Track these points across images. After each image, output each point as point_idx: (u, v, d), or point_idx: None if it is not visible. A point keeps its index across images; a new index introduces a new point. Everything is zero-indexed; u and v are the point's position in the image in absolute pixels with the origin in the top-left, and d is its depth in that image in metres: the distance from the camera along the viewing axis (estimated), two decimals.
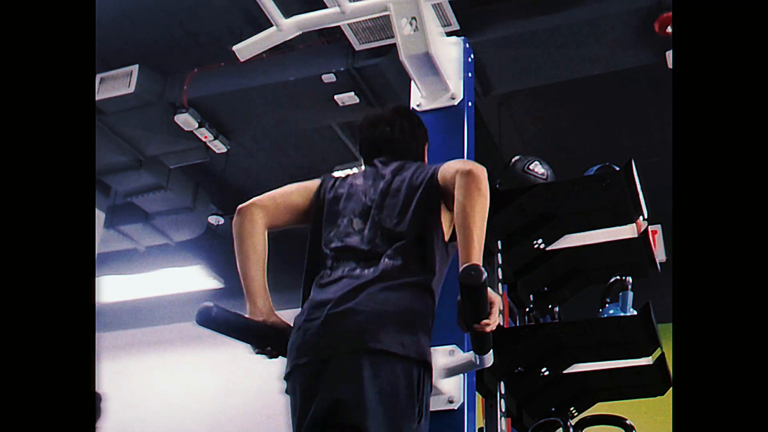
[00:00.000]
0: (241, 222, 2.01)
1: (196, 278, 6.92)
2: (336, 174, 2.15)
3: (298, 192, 2.12)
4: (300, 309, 1.92)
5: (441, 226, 1.93)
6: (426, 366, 1.79)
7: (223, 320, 1.90)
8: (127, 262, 6.82)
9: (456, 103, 2.56)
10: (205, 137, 5.22)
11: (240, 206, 2.04)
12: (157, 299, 7.24)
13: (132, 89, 4.94)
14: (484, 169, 1.86)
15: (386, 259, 1.86)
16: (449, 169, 1.93)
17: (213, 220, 6.54)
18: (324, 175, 2.16)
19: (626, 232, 2.80)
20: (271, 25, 2.55)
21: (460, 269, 1.70)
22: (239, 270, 1.99)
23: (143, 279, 6.90)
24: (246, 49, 2.60)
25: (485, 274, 1.67)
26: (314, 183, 2.13)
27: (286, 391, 1.87)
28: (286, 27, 2.54)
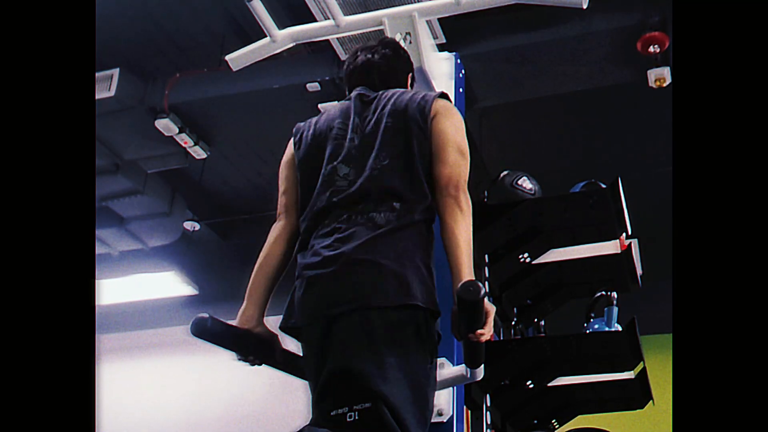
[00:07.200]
0: (271, 230, 2.05)
1: (170, 284, 6.84)
2: (301, 124, 2.10)
3: (287, 168, 2.08)
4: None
5: (425, 156, 1.92)
6: (427, 311, 1.77)
7: (217, 332, 1.91)
8: (99, 267, 6.71)
9: None
10: (185, 143, 5.17)
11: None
12: (129, 305, 7.14)
13: (112, 93, 4.87)
14: (465, 182, 1.91)
15: (376, 204, 1.85)
16: (445, 137, 1.93)
17: (189, 225, 6.48)
18: (294, 129, 2.10)
19: (609, 247, 2.85)
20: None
21: (458, 286, 1.72)
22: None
23: (116, 284, 6.80)
24: (239, 59, 2.60)
25: (483, 290, 1.69)
26: (289, 147, 2.09)
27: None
28: (281, 38, 2.54)
